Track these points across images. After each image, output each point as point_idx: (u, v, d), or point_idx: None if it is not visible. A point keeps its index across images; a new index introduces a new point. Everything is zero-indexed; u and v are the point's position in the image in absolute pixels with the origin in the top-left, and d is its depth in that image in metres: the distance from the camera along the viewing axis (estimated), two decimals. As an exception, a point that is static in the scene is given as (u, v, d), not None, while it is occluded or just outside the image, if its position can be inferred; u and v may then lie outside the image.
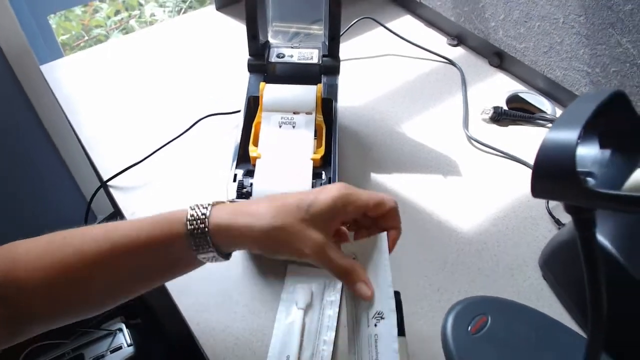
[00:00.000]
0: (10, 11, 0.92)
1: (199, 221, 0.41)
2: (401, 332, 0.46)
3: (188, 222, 0.41)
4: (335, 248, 0.42)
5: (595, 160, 0.37)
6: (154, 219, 0.43)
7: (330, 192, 0.43)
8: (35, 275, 0.41)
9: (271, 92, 0.64)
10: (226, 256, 0.44)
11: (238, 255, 0.62)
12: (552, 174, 0.31)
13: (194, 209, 0.42)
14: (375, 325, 0.42)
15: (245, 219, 0.42)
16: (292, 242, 0.41)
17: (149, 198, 0.68)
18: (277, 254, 0.43)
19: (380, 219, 0.45)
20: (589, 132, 0.38)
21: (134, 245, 0.42)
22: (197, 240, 0.41)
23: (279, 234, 0.41)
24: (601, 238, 0.49)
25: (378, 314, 0.42)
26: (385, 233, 0.44)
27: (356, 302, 0.44)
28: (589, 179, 0.35)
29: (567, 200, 0.33)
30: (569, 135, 0.31)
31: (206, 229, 0.41)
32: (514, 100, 0.82)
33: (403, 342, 0.47)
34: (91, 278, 0.42)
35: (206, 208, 0.42)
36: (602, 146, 0.37)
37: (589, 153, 0.37)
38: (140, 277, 0.44)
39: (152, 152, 0.72)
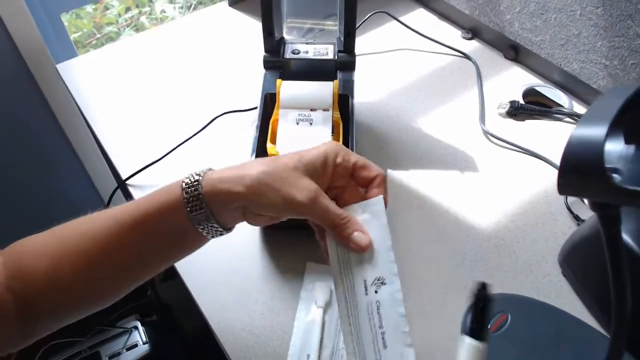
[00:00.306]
0: (26, 11, 0.92)
1: (193, 180, 0.42)
2: (482, 337, 0.38)
3: (183, 183, 0.42)
4: (328, 198, 0.42)
5: (621, 156, 0.36)
6: (153, 192, 0.44)
7: (322, 146, 0.44)
8: (43, 265, 0.41)
9: (288, 89, 0.64)
10: (226, 228, 0.44)
11: (258, 254, 0.62)
12: (579, 171, 0.31)
13: (190, 174, 0.43)
14: (376, 292, 0.41)
15: (237, 171, 0.42)
16: (284, 187, 0.41)
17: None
18: (268, 205, 0.42)
19: (368, 188, 0.45)
20: (614, 127, 0.37)
21: (137, 220, 0.42)
22: (191, 200, 0.41)
23: (270, 179, 0.41)
24: (626, 237, 0.48)
25: (378, 279, 0.41)
26: (381, 196, 0.43)
27: (348, 271, 0.42)
28: (614, 175, 0.35)
29: (594, 197, 0.33)
30: (597, 131, 0.31)
31: (199, 186, 0.42)
32: (531, 94, 0.81)
33: (482, 350, 0.38)
34: (100, 262, 0.42)
35: (202, 171, 0.43)
36: (627, 142, 0.37)
37: (614, 149, 0.36)
38: (146, 257, 0.44)
39: (169, 150, 0.72)
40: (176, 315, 1.25)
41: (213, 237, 0.44)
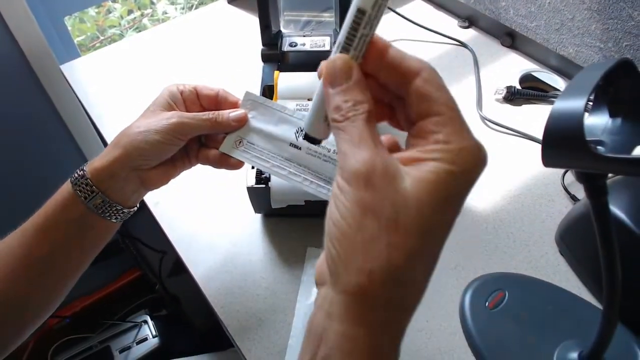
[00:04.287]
0: (29, 14, 0.94)
1: (79, 172, 0.45)
2: None
3: (72, 177, 0.45)
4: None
5: (605, 129, 0.37)
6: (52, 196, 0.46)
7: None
8: None
9: (285, 80, 0.66)
10: (127, 206, 0.46)
11: (260, 241, 0.63)
12: (561, 142, 0.32)
13: (77, 169, 0.46)
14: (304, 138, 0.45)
15: (111, 144, 0.46)
16: (154, 125, 0.45)
17: (171, 187, 0.70)
18: (151, 146, 0.44)
19: (224, 108, 0.49)
20: (598, 101, 0.39)
21: (39, 225, 0.44)
22: (82, 190, 0.44)
23: (140, 129, 0.45)
24: (616, 210, 0.49)
25: (296, 132, 0.46)
26: (247, 91, 0.49)
27: (273, 155, 0.46)
28: (599, 147, 0.36)
29: (577, 167, 0.34)
30: (576, 103, 0.32)
31: (84, 171, 0.44)
32: (527, 80, 0.82)
33: None
34: (20, 274, 0.44)
35: (86, 163, 0.46)
36: (611, 115, 0.38)
37: (599, 122, 0.38)
38: (59, 257, 0.45)
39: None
40: (185, 308, 1.27)
41: (118, 219, 0.46)
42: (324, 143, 0.43)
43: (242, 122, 0.47)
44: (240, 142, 0.48)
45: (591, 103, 0.39)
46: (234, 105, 0.49)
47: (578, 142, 0.31)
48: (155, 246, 1.07)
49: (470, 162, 0.25)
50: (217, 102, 0.50)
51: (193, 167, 0.72)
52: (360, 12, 0.27)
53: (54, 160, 1.14)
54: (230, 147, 0.48)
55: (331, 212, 0.25)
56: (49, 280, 0.45)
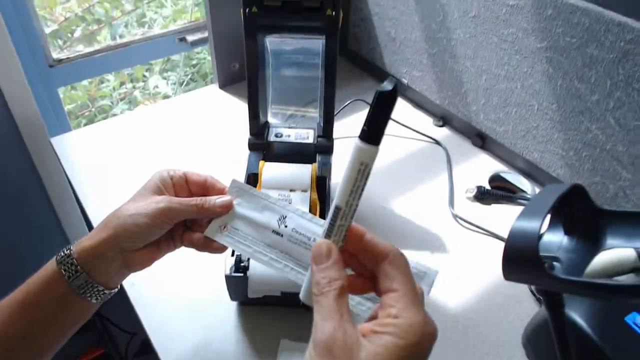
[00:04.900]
0: (26, 86, 0.98)
1: (66, 251, 0.46)
2: (376, 141, 0.36)
3: (57, 256, 0.46)
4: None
5: (561, 246, 0.40)
6: (36, 273, 0.46)
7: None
8: None
9: (269, 171, 0.69)
10: (109, 287, 0.47)
11: (233, 330, 0.63)
12: (518, 261, 0.35)
13: (64, 248, 0.47)
14: (286, 226, 0.46)
15: (100, 226, 0.47)
16: (144, 208, 0.46)
17: (153, 272, 0.71)
18: (139, 229, 0.46)
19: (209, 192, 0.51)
20: (555, 219, 0.42)
21: (20, 301, 0.45)
22: (66, 269, 0.44)
23: (130, 212, 0.46)
24: (577, 318, 0.51)
25: (279, 220, 0.47)
26: (234, 179, 0.51)
27: (255, 241, 0.47)
28: (555, 263, 0.39)
29: (534, 285, 0.37)
30: (532, 225, 0.35)
31: (71, 252, 0.45)
32: (496, 180, 0.87)
33: (373, 154, 0.37)
34: None
35: (74, 243, 0.47)
36: (566, 233, 0.41)
37: (555, 239, 0.41)
38: (37, 336, 0.45)
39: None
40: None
41: (99, 299, 0.47)
42: (304, 232, 0.46)
43: (227, 208, 0.49)
44: (225, 227, 0.50)
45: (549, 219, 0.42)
46: (221, 191, 0.52)
47: (534, 263, 0.34)
48: (125, 326, 1.05)
49: (416, 336, 0.29)
50: (205, 188, 0.52)
51: (174, 253, 0.73)
52: (337, 208, 0.34)
53: (35, 237, 1.14)
54: (214, 231, 0.49)
55: None
56: (25, 358, 0.45)
